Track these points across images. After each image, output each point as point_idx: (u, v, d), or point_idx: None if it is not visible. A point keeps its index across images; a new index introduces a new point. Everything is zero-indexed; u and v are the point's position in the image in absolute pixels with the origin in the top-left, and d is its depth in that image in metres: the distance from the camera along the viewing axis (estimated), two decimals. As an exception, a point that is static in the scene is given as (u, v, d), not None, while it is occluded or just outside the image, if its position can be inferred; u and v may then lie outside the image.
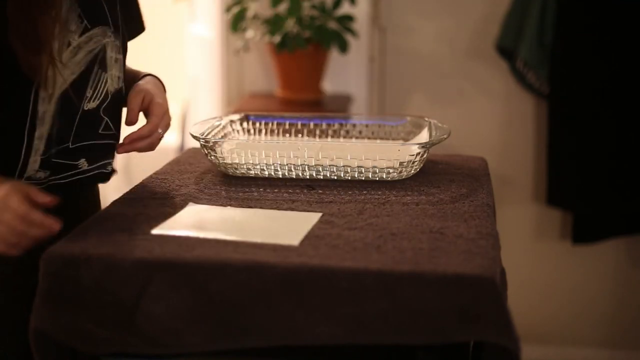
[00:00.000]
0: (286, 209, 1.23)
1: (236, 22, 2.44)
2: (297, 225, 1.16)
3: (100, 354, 1.07)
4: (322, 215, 1.19)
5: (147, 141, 1.31)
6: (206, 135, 1.42)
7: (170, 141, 4.17)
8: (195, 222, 1.18)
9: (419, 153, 1.34)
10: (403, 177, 1.37)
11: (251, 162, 1.37)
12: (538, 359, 2.83)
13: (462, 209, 1.22)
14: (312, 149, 1.36)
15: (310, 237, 1.10)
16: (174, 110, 4.77)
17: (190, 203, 1.25)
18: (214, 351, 1.06)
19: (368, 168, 1.35)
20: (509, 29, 2.54)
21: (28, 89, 1.17)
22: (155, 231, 1.13)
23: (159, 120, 1.32)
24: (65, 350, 1.08)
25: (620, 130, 2.50)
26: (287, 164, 1.37)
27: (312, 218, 1.18)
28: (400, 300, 0.98)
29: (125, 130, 1.34)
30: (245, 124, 1.57)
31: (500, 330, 0.98)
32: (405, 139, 1.53)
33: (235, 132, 1.56)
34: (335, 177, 1.37)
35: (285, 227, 1.15)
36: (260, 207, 1.24)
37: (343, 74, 2.66)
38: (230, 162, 1.38)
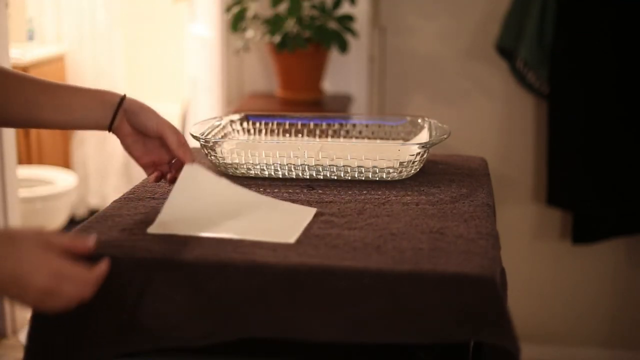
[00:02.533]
0: (286, 209, 1.23)
1: (236, 22, 2.44)
2: (293, 221, 1.16)
3: (102, 357, 1.07)
4: (322, 215, 1.19)
5: None
6: (206, 135, 1.42)
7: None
8: (190, 213, 1.15)
9: (419, 153, 1.34)
10: (403, 177, 1.37)
11: (251, 162, 1.37)
12: (538, 359, 2.83)
13: (462, 209, 1.22)
14: (312, 149, 1.36)
15: (310, 237, 1.10)
16: (174, 111, 4.76)
17: (186, 168, 1.20)
18: (214, 350, 1.06)
19: (368, 168, 1.36)
20: (509, 29, 2.55)
21: None
22: (151, 230, 1.12)
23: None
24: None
25: (620, 130, 2.50)
26: (287, 164, 1.37)
27: (308, 214, 1.18)
28: (399, 300, 0.98)
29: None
30: (245, 124, 1.57)
31: (500, 330, 0.98)
32: (405, 139, 1.53)
33: (235, 132, 1.56)
34: (335, 177, 1.37)
35: (281, 224, 1.16)
36: (260, 207, 1.24)
37: (343, 74, 2.66)
38: (230, 162, 1.38)
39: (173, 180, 1.24)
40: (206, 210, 1.18)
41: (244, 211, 1.20)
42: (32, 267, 0.94)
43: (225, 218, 1.17)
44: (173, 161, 1.28)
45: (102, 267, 1.00)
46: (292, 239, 1.09)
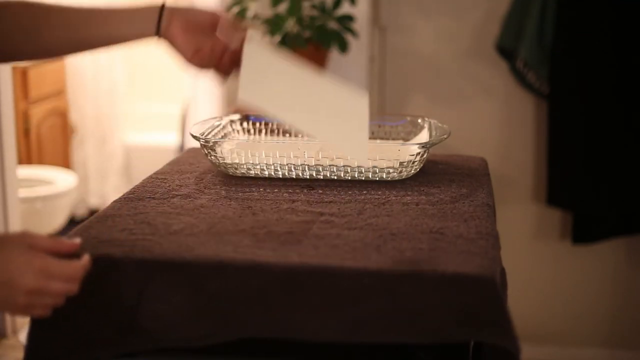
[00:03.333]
0: (286, 209, 1.23)
1: (236, 22, 2.44)
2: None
3: (102, 358, 1.07)
4: (322, 215, 1.19)
5: None
6: (206, 135, 1.42)
7: (170, 141, 4.18)
8: (264, 88, 1.20)
9: (419, 153, 1.34)
10: (403, 177, 1.37)
11: (251, 162, 1.37)
12: (538, 359, 2.83)
13: (462, 209, 1.22)
14: (312, 149, 1.36)
15: (310, 237, 1.10)
16: (175, 111, 4.76)
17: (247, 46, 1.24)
18: (214, 350, 1.06)
19: (368, 168, 1.36)
20: (509, 29, 2.54)
21: None
22: (241, 97, 1.17)
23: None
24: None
25: (621, 130, 2.50)
26: (287, 164, 1.37)
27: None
28: (399, 300, 0.98)
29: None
30: (245, 124, 1.57)
31: (500, 330, 0.98)
32: (405, 139, 1.53)
33: (235, 132, 1.56)
34: (335, 177, 1.37)
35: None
36: (260, 207, 1.24)
37: (343, 74, 2.66)
38: (230, 162, 1.38)
39: (228, 73, 1.28)
40: (277, 87, 1.22)
41: (308, 96, 1.24)
42: (19, 268, 0.95)
43: (294, 101, 1.22)
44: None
45: (85, 260, 1.00)
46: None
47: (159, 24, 1.22)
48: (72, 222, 3.94)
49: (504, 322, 0.98)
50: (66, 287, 0.98)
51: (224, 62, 1.27)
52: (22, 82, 3.67)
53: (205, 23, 1.24)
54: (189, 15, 1.24)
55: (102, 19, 1.22)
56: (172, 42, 1.24)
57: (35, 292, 0.96)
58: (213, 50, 1.25)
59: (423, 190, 1.32)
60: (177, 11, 1.23)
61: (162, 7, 1.23)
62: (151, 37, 1.23)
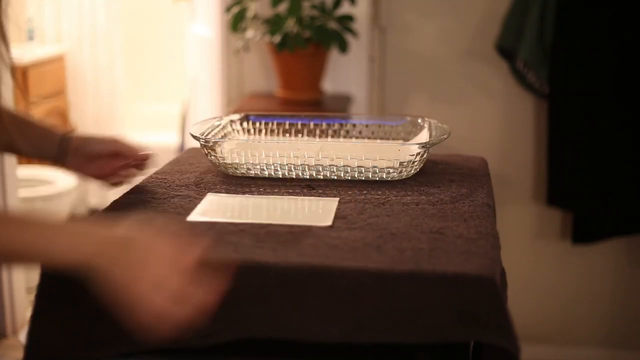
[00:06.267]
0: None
1: (236, 22, 2.44)
2: (322, 207, 1.22)
3: (102, 357, 1.07)
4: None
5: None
6: (206, 135, 1.42)
7: (170, 141, 4.18)
8: (224, 208, 1.23)
9: (419, 153, 1.34)
10: (403, 177, 1.37)
11: (251, 162, 1.37)
12: (538, 359, 2.83)
13: (462, 209, 1.22)
14: (312, 149, 1.36)
15: (310, 237, 1.10)
16: (175, 111, 4.77)
17: (209, 193, 1.29)
18: (214, 350, 1.06)
19: (368, 168, 1.36)
20: (509, 29, 2.54)
21: None
22: (191, 218, 1.18)
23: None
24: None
25: (620, 130, 2.50)
26: (287, 164, 1.37)
27: (332, 202, 1.24)
28: (399, 300, 0.98)
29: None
30: (245, 124, 1.57)
31: (500, 330, 0.98)
32: (405, 139, 1.53)
33: (235, 132, 1.56)
34: (335, 177, 1.37)
35: (312, 211, 1.22)
36: (260, 207, 1.24)
37: (343, 74, 2.66)
38: (230, 162, 1.38)
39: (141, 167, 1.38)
40: (239, 205, 1.26)
41: (273, 203, 1.26)
42: (153, 287, 0.93)
43: (258, 208, 1.24)
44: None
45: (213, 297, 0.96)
46: (328, 221, 1.15)
47: (59, 153, 1.32)
48: (72, 222, 3.93)
49: (504, 322, 0.98)
50: (191, 316, 0.93)
51: (121, 175, 1.38)
52: (22, 82, 3.67)
53: (105, 152, 1.34)
54: (90, 146, 1.33)
55: (15, 129, 1.28)
56: (74, 172, 1.35)
57: (159, 315, 0.92)
58: (113, 171, 1.36)
59: (423, 190, 1.32)
60: (78, 145, 1.32)
61: (62, 139, 1.32)
62: (51, 162, 1.34)
